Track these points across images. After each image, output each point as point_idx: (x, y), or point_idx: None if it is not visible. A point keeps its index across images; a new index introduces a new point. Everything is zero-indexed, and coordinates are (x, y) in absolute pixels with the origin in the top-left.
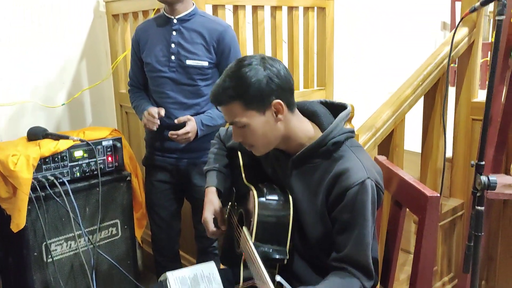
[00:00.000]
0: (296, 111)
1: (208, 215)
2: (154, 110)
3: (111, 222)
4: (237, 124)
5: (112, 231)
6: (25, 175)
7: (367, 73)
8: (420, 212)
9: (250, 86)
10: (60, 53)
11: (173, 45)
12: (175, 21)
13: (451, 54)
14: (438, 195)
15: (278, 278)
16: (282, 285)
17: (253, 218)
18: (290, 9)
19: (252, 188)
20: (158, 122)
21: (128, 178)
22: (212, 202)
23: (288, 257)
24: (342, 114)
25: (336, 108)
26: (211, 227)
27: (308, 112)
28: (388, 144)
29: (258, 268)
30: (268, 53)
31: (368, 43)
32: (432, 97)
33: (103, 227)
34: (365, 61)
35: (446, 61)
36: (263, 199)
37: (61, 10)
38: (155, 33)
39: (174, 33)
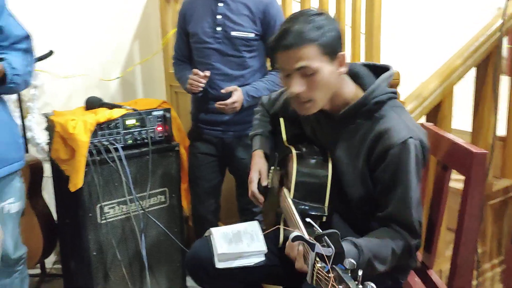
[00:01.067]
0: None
1: (254, 175)
2: (199, 71)
3: (160, 190)
4: (307, 70)
5: (160, 198)
6: (83, 138)
7: (414, 59)
8: (466, 170)
9: (329, 32)
10: (116, 33)
11: (219, 17)
12: None
13: (505, 27)
14: (485, 151)
15: (308, 219)
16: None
17: (292, 176)
18: None
19: (292, 148)
20: (203, 82)
21: (176, 148)
22: (258, 164)
23: (326, 214)
24: (385, 74)
25: (378, 70)
26: (253, 187)
27: (350, 73)
28: (436, 115)
29: (293, 218)
30: None
31: (416, 29)
32: (484, 71)
33: (152, 194)
34: (413, 47)
35: (499, 33)
36: (302, 158)
37: None
38: (202, 4)
39: (220, 4)
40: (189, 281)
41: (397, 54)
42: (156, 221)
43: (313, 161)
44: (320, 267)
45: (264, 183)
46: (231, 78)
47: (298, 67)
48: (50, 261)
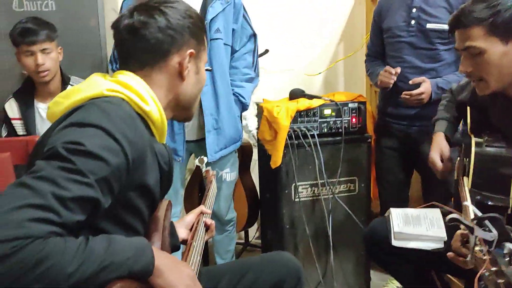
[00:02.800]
0: None
1: (434, 154)
2: (391, 68)
3: (350, 178)
4: (471, 50)
5: (350, 186)
6: (284, 122)
7: None
8: None
9: (505, 11)
10: (323, 33)
11: (414, 10)
12: None
13: None
14: None
15: (470, 205)
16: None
17: (470, 165)
18: None
19: (473, 136)
20: (394, 78)
21: (368, 140)
22: (438, 144)
23: (510, 205)
24: None
25: None
26: (438, 163)
27: None
28: None
29: (467, 208)
30: None
31: None
32: None
33: (342, 181)
34: None
35: None
36: (482, 145)
37: None
38: (397, 0)
39: None
40: (374, 274)
41: None
42: (345, 207)
43: (494, 149)
44: (478, 250)
45: (448, 165)
46: (422, 71)
47: (464, 47)
48: (252, 235)
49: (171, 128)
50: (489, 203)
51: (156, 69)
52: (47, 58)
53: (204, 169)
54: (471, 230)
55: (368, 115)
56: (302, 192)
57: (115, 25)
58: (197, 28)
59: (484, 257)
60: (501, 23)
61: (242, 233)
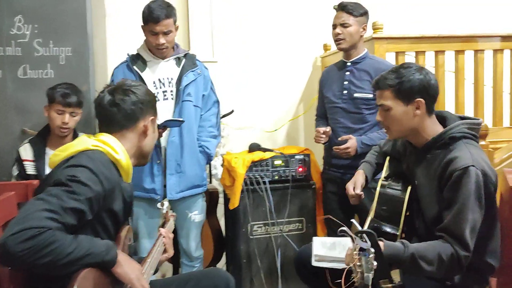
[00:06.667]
0: (433, 116)
1: (349, 184)
2: (321, 128)
3: (298, 218)
4: (383, 106)
5: (298, 226)
6: (241, 171)
7: None
8: None
9: (407, 82)
10: (284, 96)
11: (346, 82)
12: (348, 63)
13: None
14: None
15: (353, 220)
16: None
17: (374, 201)
18: (476, 52)
19: (381, 179)
20: (323, 137)
21: (313, 186)
22: (355, 177)
23: (398, 233)
24: (466, 120)
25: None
26: (350, 191)
27: (440, 118)
28: None
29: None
30: (451, 93)
31: None
32: None
33: (291, 221)
34: None
35: None
36: (383, 187)
37: (289, 66)
38: (334, 74)
39: (347, 73)
40: None
41: None
42: (292, 242)
43: (391, 190)
44: (355, 253)
45: (357, 191)
46: (352, 130)
47: (379, 103)
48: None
49: (151, 171)
50: (383, 229)
51: (129, 130)
52: (72, 120)
53: (164, 211)
54: (353, 239)
55: (313, 165)
56: (256, 230)
57: (98, 101)
58: (154, 102)
59: (356, 257)
60: (403, 90)
61: None
